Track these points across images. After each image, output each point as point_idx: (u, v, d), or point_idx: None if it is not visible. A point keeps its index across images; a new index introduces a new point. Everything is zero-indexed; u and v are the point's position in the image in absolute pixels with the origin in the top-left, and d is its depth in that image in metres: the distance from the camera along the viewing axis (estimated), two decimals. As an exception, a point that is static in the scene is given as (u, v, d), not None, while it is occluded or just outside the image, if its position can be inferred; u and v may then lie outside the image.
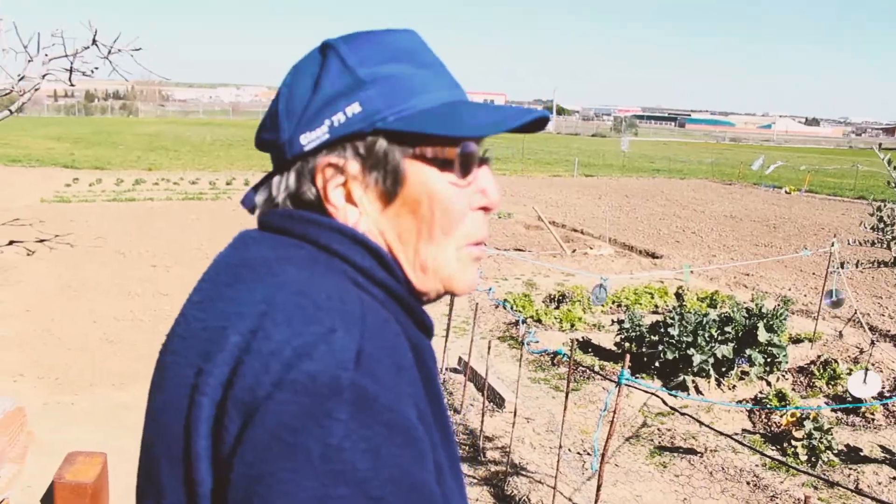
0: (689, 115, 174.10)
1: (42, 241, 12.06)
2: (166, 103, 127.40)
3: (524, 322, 7.92)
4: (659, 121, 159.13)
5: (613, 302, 8.95)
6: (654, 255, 12.60)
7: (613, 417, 3.25)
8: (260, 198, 0.93)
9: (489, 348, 5.44)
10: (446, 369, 6.52)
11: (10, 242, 11.76)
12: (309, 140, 0.87)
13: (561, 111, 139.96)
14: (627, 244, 13.57)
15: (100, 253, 11.28)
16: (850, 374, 6.23)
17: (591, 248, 12.73)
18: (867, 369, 5.82)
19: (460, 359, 6.54)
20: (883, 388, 6.38)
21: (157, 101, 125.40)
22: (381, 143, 0.87)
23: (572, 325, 7.92)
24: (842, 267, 7.28)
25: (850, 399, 6.16)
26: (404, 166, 0.88)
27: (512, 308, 8.50)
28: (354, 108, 0.86)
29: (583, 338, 7.59)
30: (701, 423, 4.09)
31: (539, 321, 7.95)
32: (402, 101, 0.87)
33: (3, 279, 9.38)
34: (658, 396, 4.40)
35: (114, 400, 5.79)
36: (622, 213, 18.15)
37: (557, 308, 8.62)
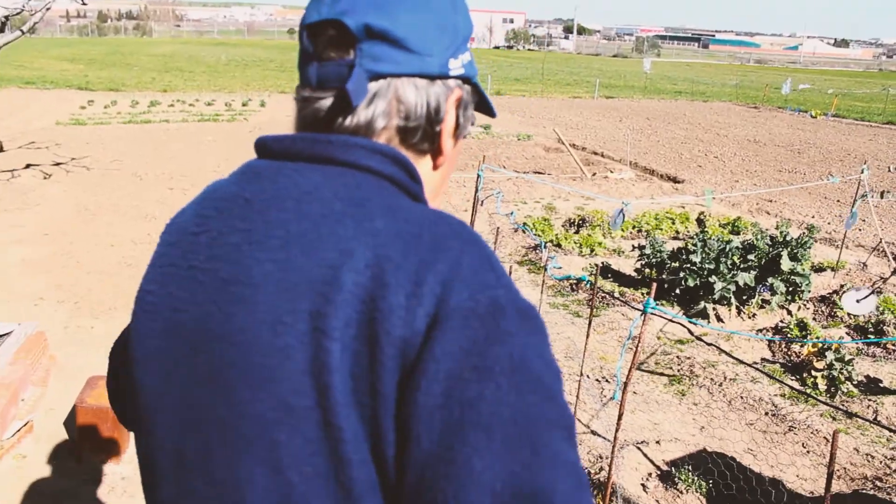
0: (714, 36, 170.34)
1: (58, 164, 12.01)
2: (181, 23, 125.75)
3: (545, 247, 7.85)
4: (682, 41, 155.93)
5: (634, 227, 8.83)
6: (675, 180, 12.40)
7: (637, 347, 3.18)
8: (379, 112, 0.87)
9: (509, 273, 5.36)
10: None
11: (27, 166, 11.72)
12: (453, 67, 0.90)
13: (582, 31, 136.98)
14: (648, 168, 13.37)
15: (116, 175, 11.23)
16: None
17: (611, 172, 12.54)
18: (861, 289, 5.73)
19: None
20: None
21: (172, 22, 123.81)
22: (469, 95, 0.96)
23: (592, 251, 7.83)
24: (881, 196, 7.09)
25: (872, 332, 6.08)
26: (467, 125, 0.97)
27: (531, 232, 8.41)
28: (467, 56, 0.93)
29: (603, 263, 7.51)
30: (721, 351, 4.03)
31: (559, 245, 7.87)
32: (475, 68, 0.98)
33: (21, 203, 9.36)
34: (679, 324, 4.33)
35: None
36: (643, 136, 17.85)
37: (577, 232, 8.52)
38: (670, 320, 4.48)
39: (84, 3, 8.43)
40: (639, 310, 3.29)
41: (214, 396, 0.81)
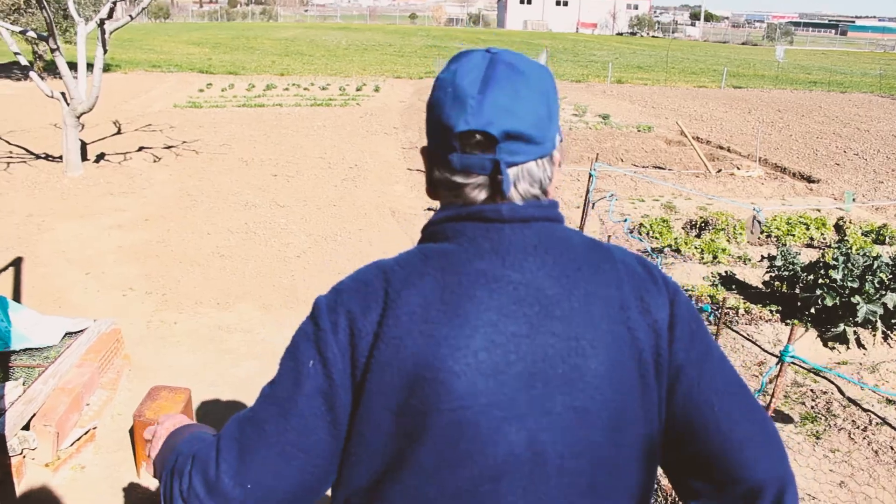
0: (853, 22, 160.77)
1: (169, 147, 12.07)
2: (306, 8, 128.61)
3: (661, 252, 7.16)
4: (818, 28, 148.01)
5: (762, 232, 8.01)
6: (809, 179, 11.35)
7: (772, 399, 2.57)
8: (526, 185, 1.19)
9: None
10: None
11: (140, 149, 11.82)
12: (557, 141, 1.23)
13: (709, 17, 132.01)
14: (779, 165, 12.31)
15: (223, 160, 11.16)
16: None
17: (738, 169, 11.61)
18: None
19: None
20: None
21: (297, 6, 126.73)
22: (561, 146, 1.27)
23: (714, 258, 7.09)
24: None
25: None
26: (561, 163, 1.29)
27: (648, 234, 7.74)
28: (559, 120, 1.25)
29: (726, 272, 6.77)
30: (864, 387, 3.34)
31: (678, 251, 7.16)
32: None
33: (128, 186, 9.36)
34: (826, 378, 3.65)
35: (216, 320, 5.53)
36: (774, 129, 16.62)
37: (699, 236, 7.78)
38: (814, 372, 3.79)
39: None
40: (772, 354, 2.66)
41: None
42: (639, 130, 15.13)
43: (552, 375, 1.11)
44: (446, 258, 1.15)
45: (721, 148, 13.65)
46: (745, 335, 4.89)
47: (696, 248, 7.20)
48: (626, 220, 5.13)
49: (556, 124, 1.21)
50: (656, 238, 7.66)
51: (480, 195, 1.16)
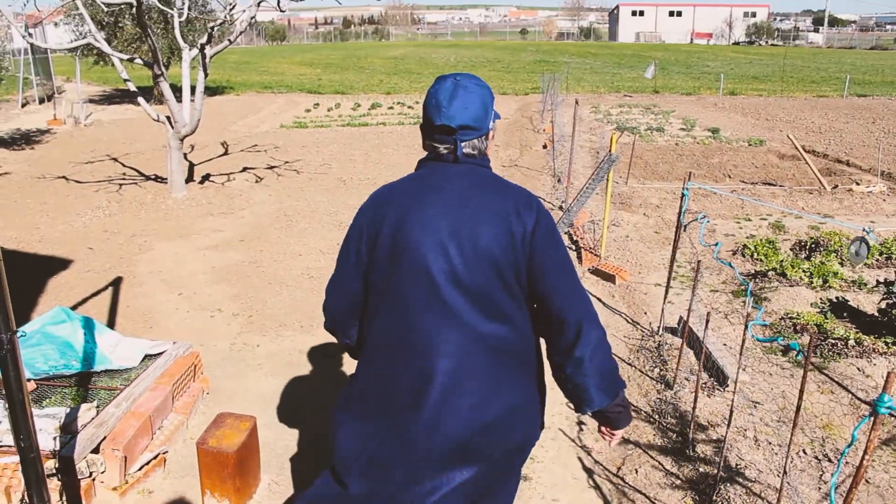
0: None
1: (272, 167, 12.32)
2: (417, 26, 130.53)
3: (764, 276, 6.73)
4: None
5: (881, 254, 7.43)
6: (938, 195, 10.52)
7: (863, 458, 2.27)
8: (468, 149, 2.24)
9: (707, 319, 4.45)
10: (662, 329, 5.59)
11: (244, 169, 12.12)
12: (491, 126, 2.28)
13: (834, 22, 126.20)
14: (905, 180, 11.49)
15: (322, 180, 11.30)
16: None
17: (856, 184, 10.88)
18: None
19: (681, 319, 5.57)
20: None
21: (409, 25, 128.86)
22: (495, 127, 2.34)
23: (825, 282, 6.60)
24: None
25: None
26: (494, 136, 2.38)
27: (752, 256, 7.30)
28: (493, 112, 2.31)
29: (837, 298, 6.28)
30: None
31: (783, 275, 6.70)
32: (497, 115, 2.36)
33: (227, 207, 9.57)
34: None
35: (297, 344, 5.50)
36: (886, 137, 15.60)
37: (808, 258, 7.28)
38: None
39: (282, 11, 8.34)
40: (866, 402, 2.35)
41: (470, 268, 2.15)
42: (749, 144, 14.47)
43: (464, 237, 2.10)
44: (420, 178, 2.24)
45: (839, 162, 12.87)
46: (835, 378, 4.47)
47: (803, 271, 6.73)
48: (717, 245, 4.79)
49: (490, 118, 2.25)
50: (761, 260, 7.22)
51: (446, 154, 2.23)
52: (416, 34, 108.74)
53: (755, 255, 7.32)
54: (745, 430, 4.26)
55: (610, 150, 6.73)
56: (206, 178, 11.42)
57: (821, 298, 6.33)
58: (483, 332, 2.14)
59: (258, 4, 8.73)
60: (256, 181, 11.23)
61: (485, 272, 2.12)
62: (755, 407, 4.53)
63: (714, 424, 4.30)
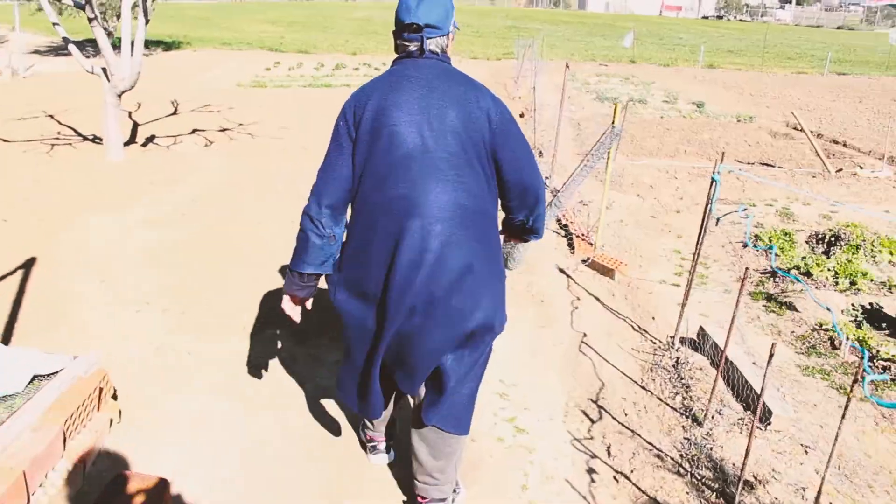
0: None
1: (225, 129, 11.19)
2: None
3: (788, 274, 5.86)
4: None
5: (906, 250, 6.62)
6: (949, 181, 9.76)
7: None
8: (432, 46, 2.61)
9: (730, 330, 3.56)
10: (679, 342, 4.69)
11: (193, 131, 10.96)
12: (451, 28, 2.67)
13: (800, 1, 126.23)
14: (910, 163, 10.71)
15: (280, 146, 10.21)
16: None
17: (860, 168, 10.09)
18: None
19: (701, 330, 4.66)
20: None
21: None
22: (454, 32, 2.73)
23: (852, 283, 5.76)
24: None
25: None
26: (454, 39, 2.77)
27: (768, 250, 6.43)
28: (453, 17, 2.69)
29: (871, 304, 5.44)
30: None
31: (808, 274, 5.83)
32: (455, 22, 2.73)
33: (171, 174, 8.46)
34: None
35: (240, 350, 4.49)
36: (891, 120, 14.86)
37: (826, 253, 6.44)
38: None
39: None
40: None
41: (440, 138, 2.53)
42: (738, 121, 13.62)
43: (433, 115, 2.51)
44: (393, 72, 2.64)
45: (836, 142, 12.07)
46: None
47: (829, 270, 5.88)
48: (755, 246, 3.90)
49: (451, 21, 2.66)
50: (777, 255, 6.36)
51: (414, 51, 2.62)
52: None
53: (769, 247, 6.45)
54: (802, 484, 3.38)
55: (612, 122, 5.77)
56: (150, 139, 10.26)
57: (852, 305, 5.48)
58: (446, 197, 2.51)
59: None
60: (206, 145, 10.11)
61: (450, 145, 2.51)
62: (805, 452, 3.65)
63: (763, 480, 3.40)
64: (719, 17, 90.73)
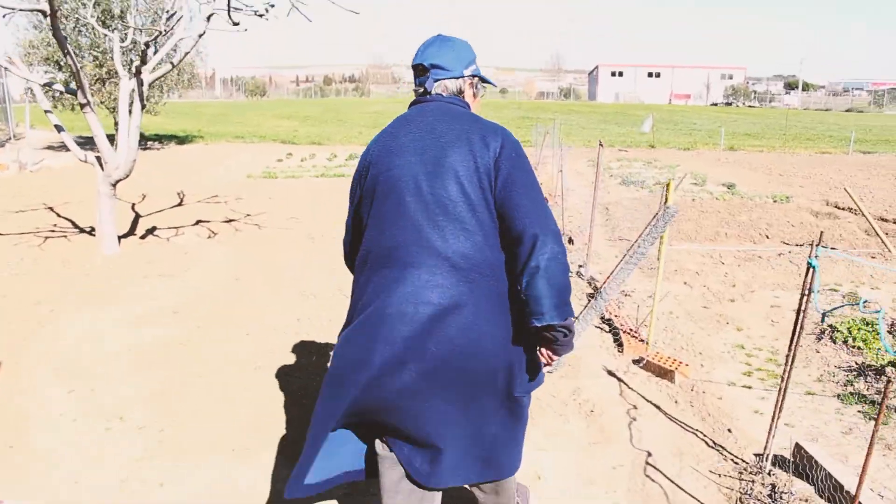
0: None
1: (230, 220, 10.52)
2: (397, 85, 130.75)
3: (881, 373, 4.96)
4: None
5: None
6: None
7: None
8: (438, 90, 2.56)
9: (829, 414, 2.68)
10: (771, 463, 3.76)
11: (197, 222, 10.29)
12: (465, 72, 2.59)
13: (806, 87, 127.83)
14: (971, 242, 9.84)
15: (287, 236, 9.49)
16: None
17: (917, 246, 9.25)
18: None
19: (799, 449, 3.73)
20: None
21: (390, 83, 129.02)
22: (478, 81, 2.68)
23: (957, 380, 4.84)
24: None
25: None
26: (481, 90, 2.70)
27: (845, 343, 5.55)
28: (473, 68, 2.62)
29: None
30: None
31: (903, 370, 4.93)
32: (480, 71, 2.67)
33: (168, 268, 7.72)
34: None
35: (229, 480, 3.62)
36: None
37: (915, 344, 5.54)
38: None
39: (235, 24, 6.63)
40: None
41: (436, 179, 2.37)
42: (775, 201, 12.85)
43: (428, 157, 2.37)
44: (401, 117, 2.55)
45: (884, 220, 11.25)
46: None
47: (928, 364, 4.97)
48: (863, 302, 3.06)
49: (466, 65, 2.59)
50: (857, 348, 5.47)
51: (422, 95, 2.58)
52: (396, 92, 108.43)
53: (847, 339, 5.56)
54: None
55: (665, 201, 4.98)
56: (149, 231, 9.58)
57: (966, 409, 4.56)
58: (445, 247, 2.33)
59: (208, 19, 7.00)
60: (210, 236, 9.41)
61: (446, 189, 2.33)
62: None
63: None
64: (727, 104, 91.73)
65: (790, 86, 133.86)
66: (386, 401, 2.36)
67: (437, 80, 2.54)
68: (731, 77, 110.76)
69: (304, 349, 5.41)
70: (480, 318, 2.32)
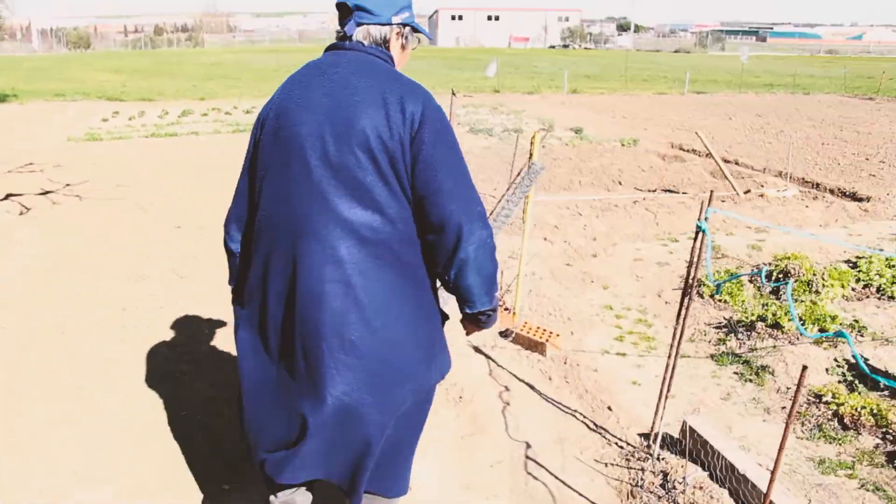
0: (772, 29, 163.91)
1: (47, 192, 9.38)
2: (233, 34, 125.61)
3: (751, 329, 4.82)
4: (738, 35, 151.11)
5: (858, 280, 5.77)
6: (855, 197, 9.19)
7: None
8: (358, 37, 2.23)
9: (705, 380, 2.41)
10: (659, 446, 3.49)
11: (7, 197, 9.11)
12: (395, 20, 2.25)
13: (636, 28, 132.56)
14: (808, 180, 10.13)
15: (114, 207, 8.54)
16: None
17: (762, 186, 9.43)
18: None
19: (687, 428, 3.45)
20: None
21: (225, 32, 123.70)
22: (409, 30, 2.33)
23: (822, 330, 4.78)
24: None
25: None
26: (412, 42, 2.36)
27: (713, 297, 5.42)
28: (405, 15, 2.28)
29: (854, 356, 4.46)
30: None
31: (776, 326, 4.80)
32: (414, 20, 2.31)
33: (-31, 253, 6.69)
34: None
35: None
36: (767, 136, 14.60)
37: (777, 294, 5.49)
38: None
39: None
40: None
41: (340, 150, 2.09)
42: (623, 145, 12.89)
43: (338, 117, 2.08)
44: (313, 64, 2.24)
45: (727, 161, 11.46)
46: None
47: (797, 317, 4.88)
48: (720, 283, 2.81)
49: (397, 11, 2.26)
50: (724, 302, 5.35)
51: (341, 39, 2.27)
52: (232, 41, 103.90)
53: (715, 294, 5.43)
54: None
55: (530, 157, 4.60)
56: (-53, 211, 8.36)
57: (835, 360, 4.49)
58: (351, 218, 2.09)
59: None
60: (21, 213, 8.31)
61: (356, 155, 2.07)
62: None
63: None
64: (565, 46, 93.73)
65: (622, 27, 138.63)
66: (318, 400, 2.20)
67: (359, 25, 2.23)
68: (567, 19, 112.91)
69: (131, 348, 4.70)
70: (393, 296, 2.16)
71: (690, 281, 3.16)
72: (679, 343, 3.22)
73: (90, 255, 6.69)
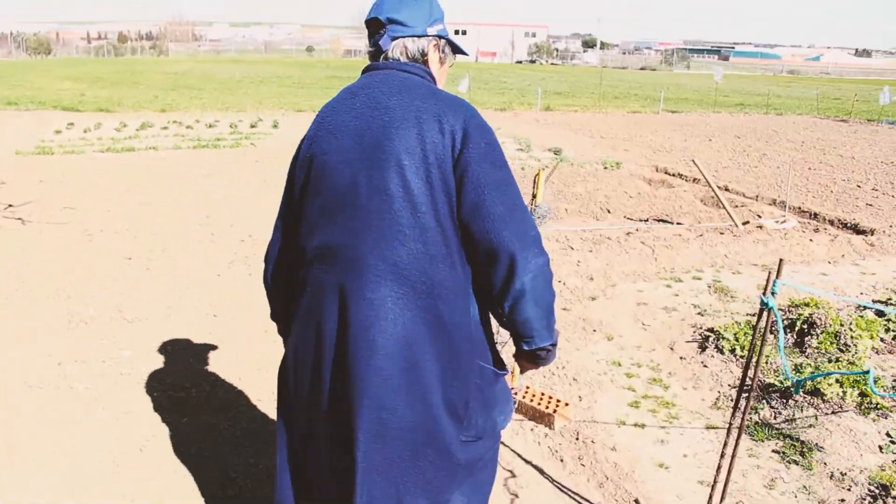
0: (734, 48, 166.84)
1: (-15, 214, 8.55)
2: (199, 43, 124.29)
3: (782, 394, 4.21)
4: (702, 54, 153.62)
5: (888, 331, 5.21)
6: (857, 229, 8.69)
7: None
8: (395, 52, 2.07)
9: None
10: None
11: (-62, 219, 8.26)
12: (430, 31, 2.09)
13: (602, 45, 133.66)
14: (805, 210, 9.62)
15: (58, 233, 7.74)
16: None
17: (758, 216, 8.91)
18: None
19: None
20: None
21: (190, 41, 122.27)
22: (445, 43, 2.16)
23: (862, 396, 4.19)
24: None
25: None
26: (449, 58, 2.19)
27: (733, 351, 4.81)
28: (440, 27, 2.12)
29: (909, 431, 3.87)
30: None
31: (817, 392, 4.19)
32: (447, 33, 2.16)
33: None
34: None
35: None
36: (751, 159, 14.16)
37: (801, 347, 4.90)
38: None
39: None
40: None
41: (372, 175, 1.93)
42: (606, 168, 12.33)
43: (367, 141, 1.92)
44: (349, 88, 2.08)
45: (718, 187, 10.96)
46: None
47: (836, 382, 4.28)
48: (767, 299, 2.19)
49: (432, 22, 2.10)
50: (732, 348, 4.75)
51: (375, 58, 2.11)
52: (197, 50, 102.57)
53: (736, 349, 4.83)
54: None
55: (534, 199, 3.95)
56: None
57: (887, 434, 3.90)
58: (393, 256, 1.90)
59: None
60: (-47, 239, 7.49)
61: (387, 181, 1.88)
62: None
63: None
64: (532, 62, 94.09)
65: (587, 44, 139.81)
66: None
67: (394, 39, 2.07)
68: (534, 35, 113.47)
69: (68, 413, 3.96)
70: (421, 349, 1.94)
71: (749, 381, 2.53)
72: (742, 411, 2.59)
73: (26, 290, 5.91)
